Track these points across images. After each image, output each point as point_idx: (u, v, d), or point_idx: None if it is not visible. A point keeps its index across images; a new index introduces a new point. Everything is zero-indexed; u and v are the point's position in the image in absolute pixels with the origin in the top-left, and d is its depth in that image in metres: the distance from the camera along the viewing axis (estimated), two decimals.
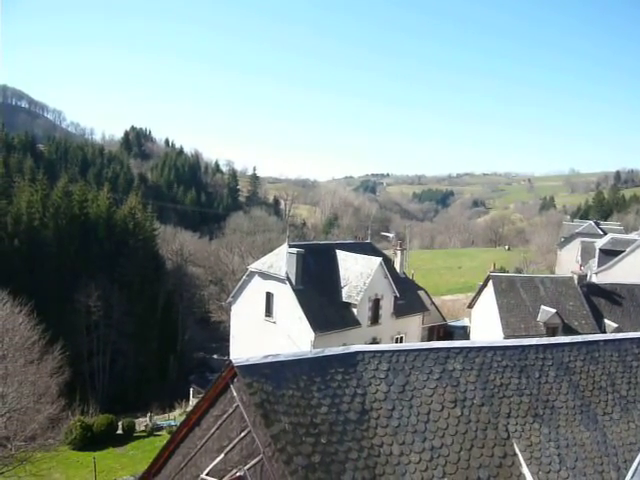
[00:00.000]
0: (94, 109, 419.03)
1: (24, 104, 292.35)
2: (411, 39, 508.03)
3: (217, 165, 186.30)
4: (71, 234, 64.33)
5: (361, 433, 9.12)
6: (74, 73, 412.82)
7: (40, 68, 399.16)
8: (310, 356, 9.78)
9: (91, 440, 35.85)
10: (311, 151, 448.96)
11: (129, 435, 38.20)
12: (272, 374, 9.02)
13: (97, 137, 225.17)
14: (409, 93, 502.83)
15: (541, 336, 27.70)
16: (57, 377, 28.90)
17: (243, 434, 9.40)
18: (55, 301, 56.26)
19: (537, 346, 11.67)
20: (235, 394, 9.33)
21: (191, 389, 48.86)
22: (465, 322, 49.79)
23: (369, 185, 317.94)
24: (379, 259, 36.83)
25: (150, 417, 41.50)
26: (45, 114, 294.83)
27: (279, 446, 8.33)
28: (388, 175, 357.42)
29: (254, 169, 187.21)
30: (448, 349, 10.85)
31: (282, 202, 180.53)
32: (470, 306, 42.58)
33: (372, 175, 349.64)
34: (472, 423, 9.91)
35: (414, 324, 40.57)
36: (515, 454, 9.85)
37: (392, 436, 9.26)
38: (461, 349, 10.94)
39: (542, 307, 34.87)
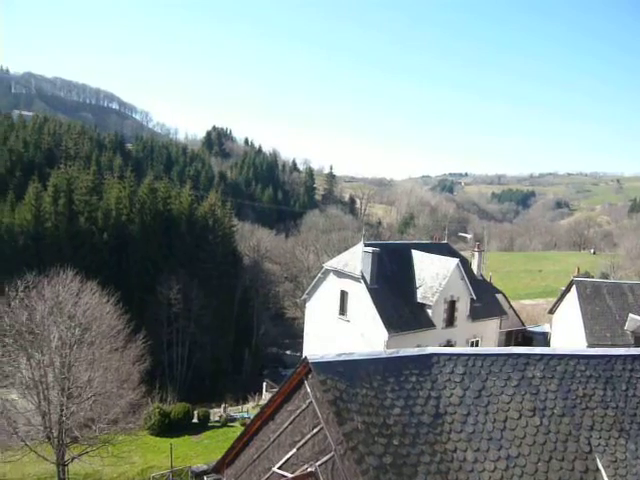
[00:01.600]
0: (178, 110, 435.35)
1: (115, 106, 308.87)
2: (493, 29, 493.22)
3: (294, 164, 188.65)
4: (155, 229, 67.10)
5: (434, 437, 8.97)
6: (160, 77, 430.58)
7: (129, 72, 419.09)
8: (384, 356, 9.72)
9: (168, 427, 37.13)
10: (388, 150, 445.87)
11: (204, 424, 39.29)
12: (346, 372, 9.03)
13: (181, 137, 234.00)
14: (490, 89, 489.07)
15: (629, 346, 26.29)
16: (139, 365, 30.08)
17: (315, 430, 9.47)
18: (139, 292, 58.87)
19: (625, 356, 11.05)
20: (309, 390, 9.42)
21: (264, 383, 49.72)
22: (545, 328, 47.98)
23: (446, 184, 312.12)
24: (456, 260, 36.07)
25: (224, 408, 42.58)
26: (134, 115, 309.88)
27: (351, 445, 8.33)
28: (466, 174, 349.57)
29: (331, 168, 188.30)
30: (528, 355, 10.47)
31: (358, 201, 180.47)
32: (551, 312, 40.96)
33: (450, 174, 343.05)
34: (552, 434, 9.52)
35: (491, 328, 39.46)
36: (597, 470, 9.37)
37: (466, 442, 9.05)
38: (542, 356, 10.53)
39: (630, 315, 33.06)
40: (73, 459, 26.07)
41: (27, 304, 25.64)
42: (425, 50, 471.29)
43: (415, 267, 36.50)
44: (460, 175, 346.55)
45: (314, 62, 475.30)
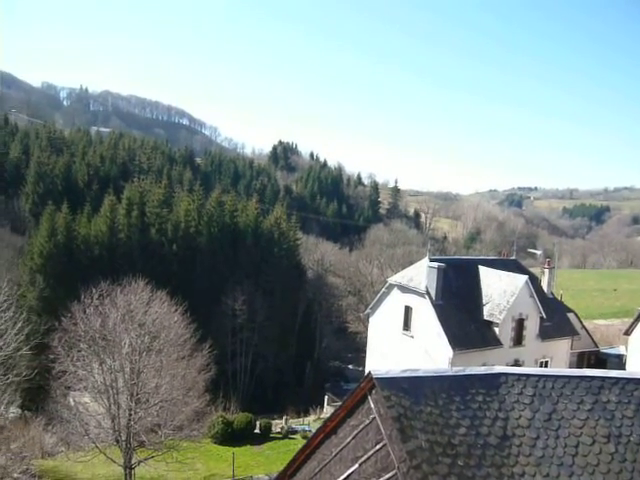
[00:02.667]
0: (246, 125, 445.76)
1: (185, 122, 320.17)
2: (554, 47, 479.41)
3: (359, 178, 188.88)
4: (222, 241, 68.71)
5: (501, 460, 8.69)
6: (229, 93, 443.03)
7: (200, 89, 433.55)
8: (450, 374, 9.54)
9: (231, 436, 37.69)
10: (454, 164, 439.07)
11: (266, 435, 39.64)
12: (410, 389, 8.91)
13: (247, 151, 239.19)
14: (560, 102, 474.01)
15: None
16: (204, 374, 30.74)
17: (378, 446, 9.38)
18: (205, 303, 60.22)
19: None
20: (373, 406, 9.35)
21: (326, 397, 49.67)
22: (620, 350, 45.71)
23: (515, 199, 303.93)
24: (525, 277, 35.03)
25: (286, 420, 42.82)
26: (203, 130, 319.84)
27: (414, 463, 8.19)
28: (536, 189, 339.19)
29: (395, 181, 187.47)
30: (602, 378, 9.99)
31: (423, 215, 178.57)
32: (627, 333, 38.92)
33: (518, 188, 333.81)
34: (628, 463, 9.01)
35: (561, 348, 37.95)
36: None
37: (535, 466, 8.71)
38: (617, 380, 10.02)
39: None
40: (140, 463, 26.85)
41: (101, 311, 26.75)
42: (488, 64, 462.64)
43: (482, 283, 35.69)
44: (529, 189, 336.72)
45: (380, 75, 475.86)
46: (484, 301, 34.77)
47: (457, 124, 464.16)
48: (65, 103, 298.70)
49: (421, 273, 34.59)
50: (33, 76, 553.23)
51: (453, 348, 31.61)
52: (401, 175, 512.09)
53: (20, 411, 42.12)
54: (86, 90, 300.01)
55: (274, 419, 44.55)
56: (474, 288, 35.45)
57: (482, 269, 36.42)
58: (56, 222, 63.18)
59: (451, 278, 34.69)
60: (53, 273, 59.68)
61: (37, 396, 43.71)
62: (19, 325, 31.34)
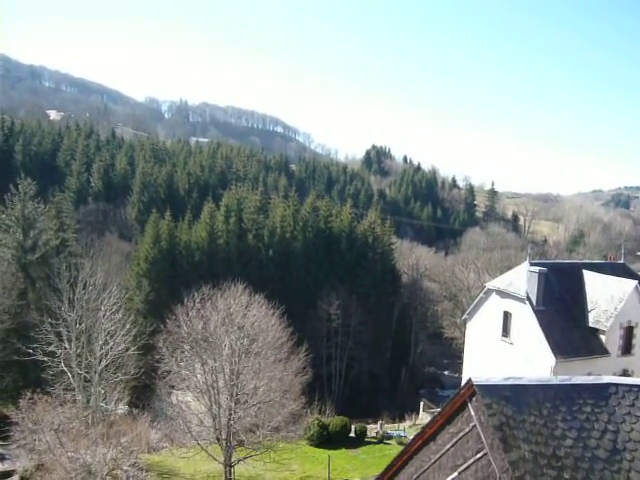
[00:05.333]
0: (339, 131, 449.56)
1: (280, 129, 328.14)
2: None
3: (454, 180, 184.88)
4: (317, 246, 69.62)
5: (611, 474, 8.19)
6: (322, 100, 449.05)
7: (293, 97, 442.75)
8: (555, 382, 9.12)
9: (326, 439, 37.90)
10: (554, 164, 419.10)
11: (361, 439, 39.53)
12: (513, 397, 8.60)
13: (341, 157, 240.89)
14: None
15: None
16: (300, 377, 31.12)
17: (479, 455, 9.12)
18: (301, 307, 61.18)
19: None
20: (473, 413, 9.10)
21: (421, 403, 48.92)
22: None
23: (621, 199, 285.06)
24: (634, 282, 32.86)
25: (381, 425, 42.53)
26: (297, 137, 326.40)
27: (517, 474, 7.91)
28: None
29: (492, 184, 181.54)
30: None
31: (521, 218, 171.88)
32: None
33: (625, 188, 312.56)
34: None
35: None
36: None
37: None
38: None
39: None
40: (239, 461, 27.58)
41: (202, 314, 27.81)
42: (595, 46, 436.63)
43: (586, 288, 33.88)
44: (637, 189, 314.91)
45: (474, 73, 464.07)
46: (589, 307, 32.99)
47: (556, 121, 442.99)
48: (166, 116, 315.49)
49: (521, 277, 33.35)
50: (137, 91, 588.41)
51: (555, 356, 30.18)
52: (498, 177, 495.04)
53: (128, 408, 44.58)
54: (185, 103, 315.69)
55: (369, 423, 44.38)
56: (578, 293, 33.72)
57: (587, 273, 34.59)
58: (160, 229, 66.60)
59: (553, 283, 33.19)
60: (157, 277, 62.97)
61: (143, 394, 46.17)
62: (127, 327, 33.39)
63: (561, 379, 9.32)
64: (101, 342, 31.59)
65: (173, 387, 31.05)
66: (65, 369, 30.83)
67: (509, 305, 33.91)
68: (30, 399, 25.42)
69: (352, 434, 39.86)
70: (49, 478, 21.35)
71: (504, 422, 8.31)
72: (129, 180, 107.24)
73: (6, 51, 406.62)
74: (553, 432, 8.42)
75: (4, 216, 55.73)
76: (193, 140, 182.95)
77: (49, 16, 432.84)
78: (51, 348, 31.34)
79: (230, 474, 27.53)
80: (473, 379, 8.87)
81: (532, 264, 33.13)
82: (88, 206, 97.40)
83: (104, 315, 32.47)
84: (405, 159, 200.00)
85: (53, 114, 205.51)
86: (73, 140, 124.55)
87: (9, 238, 54.71)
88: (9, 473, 29.94)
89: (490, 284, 36.43)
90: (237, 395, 26.56)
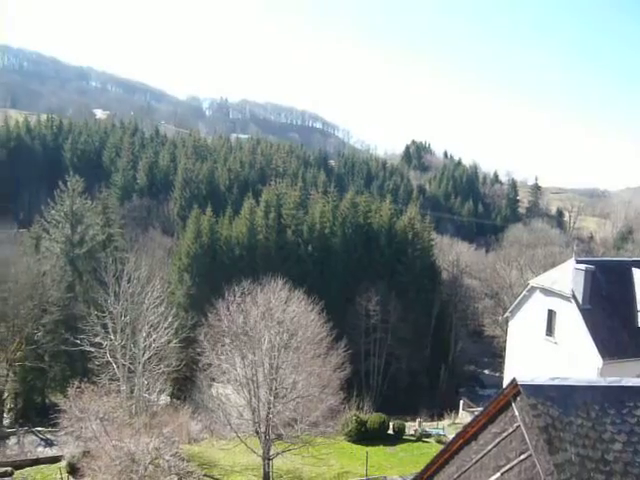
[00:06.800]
0: (378, 126, 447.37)
1: (319, 125, 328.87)
2: None
3: (496, 176, 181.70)
4: (355, 242, 69.47)
5: None
6: (360, 95, 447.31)
7: (332, 92, 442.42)
8: (604, 384, 8.86)
9: (364, 435, 37.76)
10: (601, 158, 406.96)
11: (399, 437, 39.26)
12: (559, 398, 8.38)
13: (380, 152, 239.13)
14: None
15: None
16: (339, 372, 31.09)
17: (523, 457, 8.93)
18: (340, 302, 61.17)
19: None
20: (517, 414, 8.91)
21: (461, 401, 48.32)
22: None
23: None
24: None
25: (419, 423, 42.19)
26: (336, 133, 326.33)
27: (563, 477, 7.72)
28: None
29: (536, 179, 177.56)
30: None
31: (566, 214, 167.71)
32: None
33: None
34: None
35: None
36: None
37: None
38: None
39: None
40: (277, 454, 27.81)
41: (243, 309, 28.11)
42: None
43: (636, 287, 32.78)
44: None
45: (518, 66, 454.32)
46: (639, 307, 31.95)
47: (604, 114, 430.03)
48: (207, 113, 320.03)
49: (566, 275, 32.51)
50: (179, 90, 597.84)
51: (603, 357, 29.35)
52: (542, 172, 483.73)
53: (170, 399, 45.50)
54: (226, 100, 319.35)
55: (407, 421, 44.07)
56: (627, 292, 32.67)
57: (636, 272, 33.46)
58: (201, 224, 67.58)
59: (600, 281, 32.24)
60: (198, 272, 63.94)
61: (184, 386, 47.08)
62: (169, 320, 34.01)
63: (610, 381, 9.06)
64: (144, 334, 32.26)
65: (213, 380, 31.50)
66: (110, 360, 31.62)
67: (554, 303, 33.12)
68: (77, 388, 26.21)
69: (390, 431, 39.64)
70: (95, 465, 21.91)
71: (550, 423, 8.12)
72: (171, 176, 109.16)
73: (56, 54, 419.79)
74: (601, 435, 8.19)
75: (54, 212, 57.60)
76: (233, 137, 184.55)
77: (95, 19, 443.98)
78: (97, 339, 32.20)
79: (268, 467, 27.77)
80: (517, 378, 8.69)
81: (578, 261, 32.22)
82: (133, 202, 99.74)
83: (147, 308, 33.15)
84: (445, 154, 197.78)
85: (99, 113, 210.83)
86: (118, 138, 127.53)
87: (58, 233, 56.51)
88: (57, 458, 30.99)
89: (534, 282, 35.67)
90: (276, 389, 26.76)
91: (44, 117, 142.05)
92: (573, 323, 31.28)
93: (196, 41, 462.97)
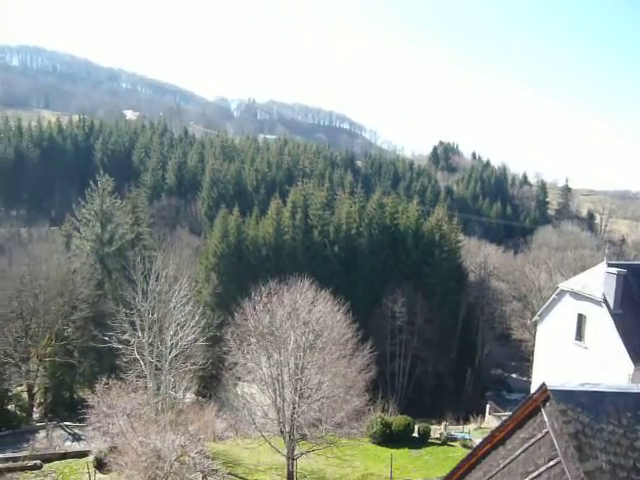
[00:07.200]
0: (405, 127, 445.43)
1: (346, 126, 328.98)
2: None
3: (525, 177, 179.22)
4: (382, 243, 69.23)
5: None
6: (388, 96, 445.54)
7: (359, 93, 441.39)
8: (636, 390, 8.64)
9: (389, 437, 37.55)
10: (634, 159, 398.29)
11: (424, 440, 38.94)
12: (590, 404, 8.20)
13: (407, 153, 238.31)
14: None
15: None
16: (364, 373, 30.96)
17: (552, 463, 8.75)
18: (365, 303, 61.05)
19: None
20: (546, 419, 8.75)
21: (488, 405, 47.73)
22: None
23: None
24: None
25: (445, 426, 41.80)
26: (363, 134, 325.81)
27: None
28: None
29: (566, 180, 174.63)
30: None
31: (597, 216, 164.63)
32: None
33: None
34: None
35: None
36: None
37: None
38: None
39: None
40: (301, 454, 27.80)
41: (269, 308, 28.15)
42: None
43: None
44: None
45: (549, 69, 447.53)
46: None
47: (637, 115, 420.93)
48: (235, 114, 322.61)
49: (597, 279, 31.86)
50: (208, 91, 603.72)
51: (634, 363, 28.67)
52: (572, 173, 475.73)
53: (195, 397, 45.86)
54: (254, 101, 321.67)
55: (432, 424, 43.70)
56: None
57: None
58: (228, 224, 68.09)
59: (632, 285, 31.51)
60: (225, 271, 64.45)
61: (210, 384, 47.50)
62: (196, 318, 34.26)
63: None
64: (172, 332, 32.54)
65: (239, 379, 31.65)
66: (138, 357, 31.96)
67: (584, 307, 32.49)
68: (105, 384, 26.60)
69: (415, 434, 39.36)
70: (121, 460, 22.17)
71: (580, 430, 7.95)
72: (199, 176, 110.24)
73: (88, 55, 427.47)
74: (633, 443, 8.00)
75: (84, 210, 58.62)
76: (261, 137, 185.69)
77: (127, 21, 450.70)
78: (125, 336, 32.55)
79: (292, 467, 27.79)
80: (547, 383, 8.52)
81: (610, 265, 31.55)
82: (161, 201, 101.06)
83: (175, 307, 33.44)
84: (474, 155, 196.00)
85: (129, 114, 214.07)
86: (147, 138, 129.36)
87: (88, 231, 57.49)
88: (85, 453, 31.44)
89: (563, 285, 35.05)
90: (301, 389, 26.76)
91: (76, 118, 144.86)
92: (604, 328, 30.64)
93: (225, 43, 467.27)
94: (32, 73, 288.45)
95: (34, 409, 45.86)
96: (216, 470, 26.39)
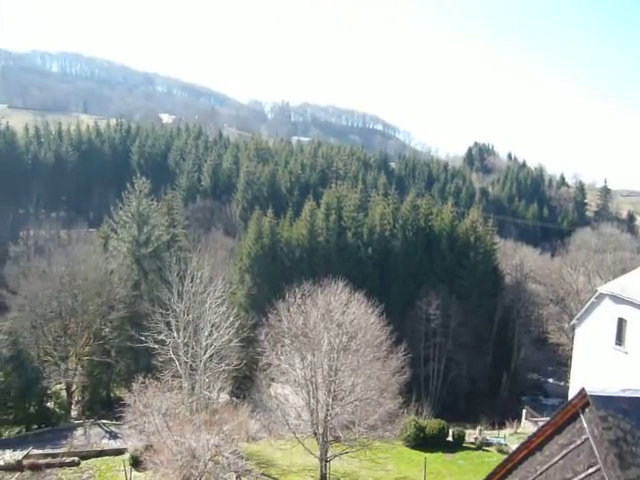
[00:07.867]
0: (439, 128, 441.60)
1: (379, 127, 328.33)
2: None
3: (562, 178, 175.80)
4: (416, 245, 68.77)
5: None
6: (421, 98, 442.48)
7: (393, 95, 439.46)
8: None
9: (423, 441, 37.15)
10: None
11: (458, 444, 38.44)
12: (631, 411, 8.00)
13: (441, 154, 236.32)
14: None
15: None
16: (398, 376, 30.74)
17: (591, 470, 8.56)
18: (400, 306, 60.67)
19: None
20: (585, 425, 8.56)
21: (524, 410, 46.94)
22: None
23: None
24: None
25: (480, 431, 41.22)
26: (396, 135, 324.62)
27: None
28: None
29: (605, 181, 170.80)
30: None
31: (638, 218, 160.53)
32: None
33: None
34: None
35: None
36: None
37: None
38: None
39: None
40: (334, 456, 27.73)
41: (303, 310, 28.21)
42: None
43: None
44: None
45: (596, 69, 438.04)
46: None
47: None
48: (269, 116, 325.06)
49: (638, 282, 31.05)
50: (242, 94, 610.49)
51: None
52: (612, 174, 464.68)
53: (229, 397, 46.18)
54: (287, 103, 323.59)
55: (467, 428, 43.13)
56: None
57: None
58: (262, 226, 68.54)
59: None
60: (259, 273, 64.89)
61: (244, 385, 47.76)
62: (231, 319, 34.59)
63: None
64: (206, 333, 32.91)
65: (273, 380, 31.81)
66: (173, 357, 32.41)
67: (624, 311, 31.65)
68: (142, 383, 27.04)
69: (449, 438, 38.89)
70: (157, 459, 22.47)
71: (621, 437, 7.75)
72: (234, 179, 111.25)
73: (125, 60, 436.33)
74: None
75: (121, 212, 59.72)
76: (294, 140, 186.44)
77: (162, 26, 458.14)
78: (161, 337, 33.08)
79: (325, 469, 27.77)
80: (587, 389, 8.33)
81: None
82: (196, 203, 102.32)
83: (209, 307, 33.80)
84: (509, 156, 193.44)
85: (165, 117, 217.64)
86: (183, 141, 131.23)
87: (125, 233, 58.55)
88: (121, 451, 32.01)
89: (603, 288, 34.19)
90: (335, 391, 26.73)
91: (113, 121, 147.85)
92: None
93: (259, 46, 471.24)
94: (71, 79, 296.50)
95: (72, 407, 46.86)
96: (250, 470, 26.55)
